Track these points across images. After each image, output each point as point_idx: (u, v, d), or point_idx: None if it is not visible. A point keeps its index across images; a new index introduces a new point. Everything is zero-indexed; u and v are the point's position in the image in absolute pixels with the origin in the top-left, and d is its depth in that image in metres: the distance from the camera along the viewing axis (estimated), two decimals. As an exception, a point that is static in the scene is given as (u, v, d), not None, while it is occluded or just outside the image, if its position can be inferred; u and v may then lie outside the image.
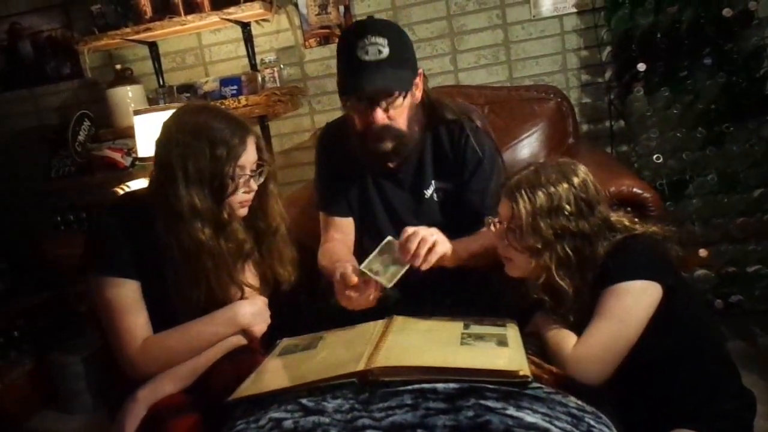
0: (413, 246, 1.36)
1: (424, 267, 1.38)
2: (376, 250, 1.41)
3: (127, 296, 1.32)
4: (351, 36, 1.50)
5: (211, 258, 1.34)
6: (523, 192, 1.29)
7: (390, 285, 1.37)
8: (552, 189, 1.27)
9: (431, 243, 1.37)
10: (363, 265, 1.40)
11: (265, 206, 1.48)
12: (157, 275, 1.34)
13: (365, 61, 1.46)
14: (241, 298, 1.42)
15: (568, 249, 1.26)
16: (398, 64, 1.49)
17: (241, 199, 1.39)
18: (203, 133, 1.34)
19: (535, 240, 1.27)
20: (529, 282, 1.33)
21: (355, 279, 1.38)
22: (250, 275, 1.48)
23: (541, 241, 1.26)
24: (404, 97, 1.52)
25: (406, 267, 1.37)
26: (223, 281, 1.37)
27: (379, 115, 1.51)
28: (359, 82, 1.47)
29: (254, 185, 1.41)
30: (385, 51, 1.46)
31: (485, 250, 1.46)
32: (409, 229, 1.39)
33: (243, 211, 1.42)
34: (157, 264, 1.34)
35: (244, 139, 1.37)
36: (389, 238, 1.42)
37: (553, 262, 1.26)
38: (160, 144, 1.38)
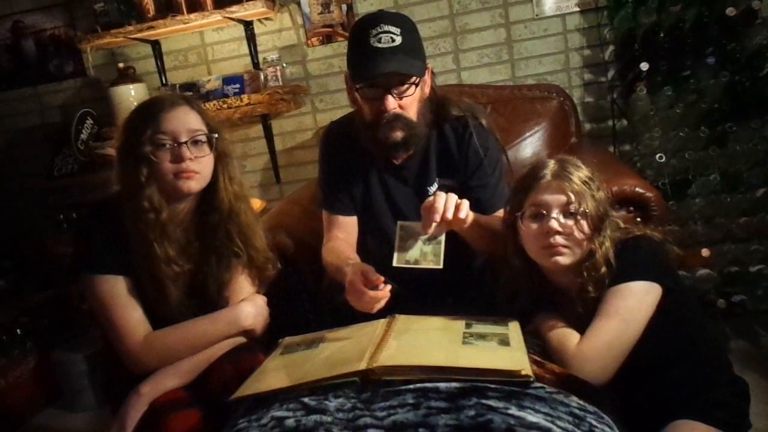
0: (441, 204, 1.34)
1: (457, 216, 1.35)
2: (398, 241, 1.38)
3: (119, 292, 1.34)
4: (363, 25, 1.52)
5: (140, 238, 1.34)
6: (572, 174, 1.30)
7: (442, 265, 1.35)
8: (586, 173, 1.31)
9: (457, 199, 1.36)
10: (395, 261, 1.36)
11: (215, 186, 1.43)
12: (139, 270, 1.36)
13: (378, 48, 1.47)
14: (181, 274, 1.41)
15: (610, 231, 1.29)
16: (411, 53, 1.50)
17: (175, 169, 1.35)
18: (136, 112, 1.40)
19: (596, 220, 1.28)
20: (585, 269, 1.29)
21: (381, 278, 1.35)
22: (242, 277, 1.47)
23: (599, 218, 1.28)
24: (416, 86, 1.53)
25: (442, 239, 1.35)
26: (150, 257, 1.35)
27: (391, 103, 1.51)
28: (374, 66, 1.47)
29: (187, 154, 1.35)
30: (398, 39, 1.48)
31: (493, 229, 1.47)
32: (429, 199, 1.37)
33: (184, 184, 1.36)
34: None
35: (166, 106, 1.36)
36: (400, 222, 1.41)
37: (607, 239, 1.28)
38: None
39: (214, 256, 1.43)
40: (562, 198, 1.29)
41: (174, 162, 1.35)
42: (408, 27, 1.53)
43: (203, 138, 1.38)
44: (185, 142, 1.35)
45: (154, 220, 1.35)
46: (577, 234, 1.28)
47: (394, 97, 1.51)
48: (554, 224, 1.28)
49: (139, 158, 1.34)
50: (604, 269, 1.26)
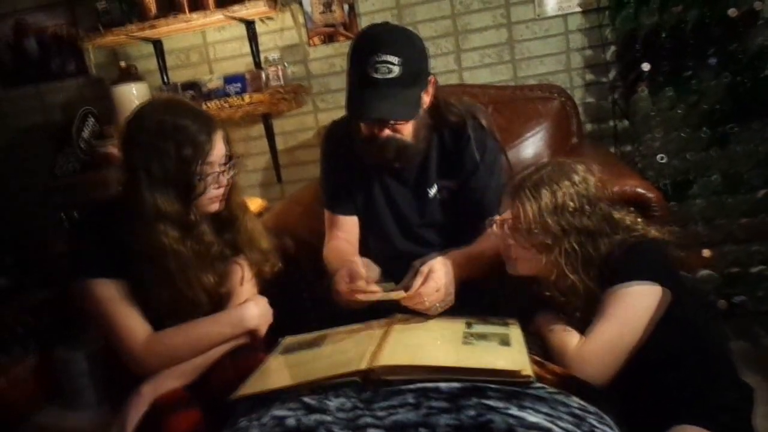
0: (410, 304, 1.37)
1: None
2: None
3: (117, 296, 1.31)
4: (363, 49, 1.48)
5: (175, 261, 1.31)
6: (527, 191, 1.31)
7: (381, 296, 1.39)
8: (555, 187, 1.30)
9: (424, 307, 1.37)
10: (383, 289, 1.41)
11: (228, 197, 1.43)
12: (136, 275, 1.33)
13: (374, 80, 1.44)
14: (217, 297, 1.41)
15: (574, 245, 1.28)
16: (407, 83, 1.47)
17: (212, 195, 1.36)
18: (167, 132, 1.29)
19: (543, 237, 1.29)
20: (541, 280, 1.34)
21: (363, 275, 1.37)
22: (246, 271, 1.47)
23: (550, 237, 1.28)
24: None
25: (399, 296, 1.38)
26: (190, 282, 1.34)
27: (384, 132, 1.52)
28: (365, 106, 1.46)
29: (224, 180, 1.37)
30: (396, 70, 1.44)
31: (487, 257, 1.48)
32: (414, 287, 1.37)
33: (214, 207, 1.39)
34: (133, 263, 1.32)
35: (210, 135, 1.32)
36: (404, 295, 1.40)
37: (562, 257, 1.28)
38: (124, 145, 1.34)
39: (221, 266, 1.44)
40: (513, 214, 1.34)
41: (216, 188, 1.36)
42: (408, 50, 1.47)
43: (233, 163, 1.39)
44: (224, 171, 1.36)
45: (206, 252, 1.36)
46: (520, 250, 1.34)
47: (387, 127, 1.52)
48: (502, 236, 1.37)
49: (186, 192, 1.31)
50: (569, 282, 1.29)
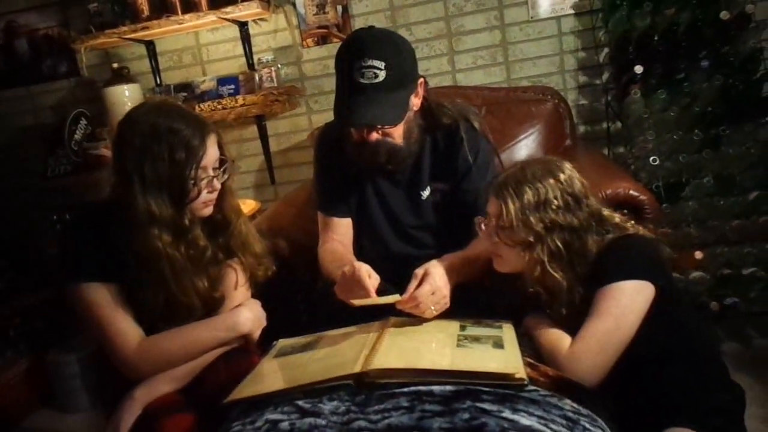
0: (405, 307, 1.37)
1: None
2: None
3: (109, 299, 1.30)
4: (349, 54, 1.49)
5: (169, 265, 1.30)
6: (510, 189, 1.32)
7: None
8: (538, 184, 1.31)
9: (419, 310, 1.36)
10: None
11: (221, 201, 1.42)
12: (129, 278, 1.32)
13: (360, 85, 1.46)
14: (211, 302, 1.40)
15: (558, 242, 1.29)
16: (394, 87, 1.48)
17: (205, 199, 1.36)
18: (161, 135, 1.28)
19: (526, 234, 1.30)
20: (526, 276, 1.34)
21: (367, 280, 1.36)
22: (240, 275, 1.46)
23: (532, 234, 1.29)
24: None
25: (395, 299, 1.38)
26: (184, 287, 1.34)
27: (373, 135, 1.53)
28: (353, 112, 1.47)
29: (218, 185, 1.37)
30: (381, 75, 1.45)
31: (482, 260, 1.48)
32: (409, 290, 1.36)
33: (207, 211, 1.38)
34: (125, 267, 1.31)
35: (204, 139, 1.31)
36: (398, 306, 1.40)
37: (545, 254, 1.29)
38: (115, 147, 1.33)
39: (215, 270, 1.43)
40: (493, 208, 1.36)
41: (209, 192, 1.35)
42: (394, 54, 1.48)
43: (226, 167, 1.39)
44: (217, 175, 1.36)
45: (199, 257, 1.35)
46: (504, 247, 1.35)
47: (376, 131, 1.53)
48: (483, 229, 1.38)
49: (180, 196, 1.31)
50: (554, 279, 1.30)
